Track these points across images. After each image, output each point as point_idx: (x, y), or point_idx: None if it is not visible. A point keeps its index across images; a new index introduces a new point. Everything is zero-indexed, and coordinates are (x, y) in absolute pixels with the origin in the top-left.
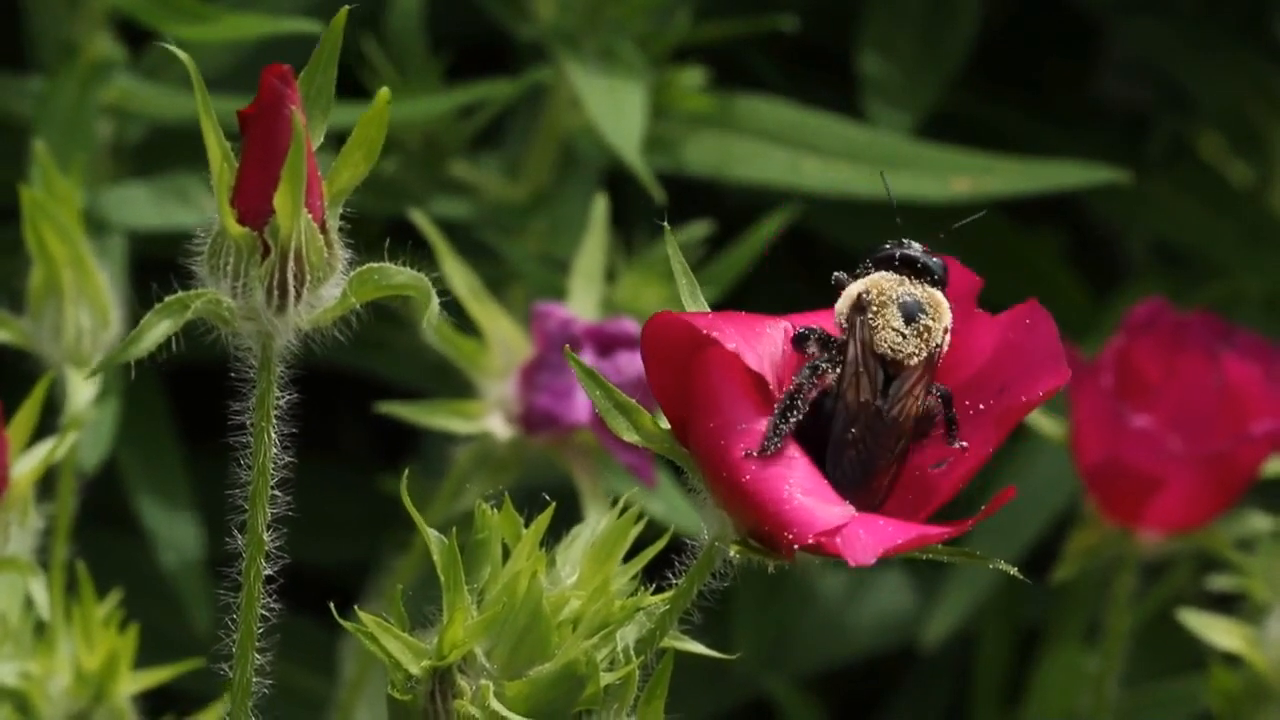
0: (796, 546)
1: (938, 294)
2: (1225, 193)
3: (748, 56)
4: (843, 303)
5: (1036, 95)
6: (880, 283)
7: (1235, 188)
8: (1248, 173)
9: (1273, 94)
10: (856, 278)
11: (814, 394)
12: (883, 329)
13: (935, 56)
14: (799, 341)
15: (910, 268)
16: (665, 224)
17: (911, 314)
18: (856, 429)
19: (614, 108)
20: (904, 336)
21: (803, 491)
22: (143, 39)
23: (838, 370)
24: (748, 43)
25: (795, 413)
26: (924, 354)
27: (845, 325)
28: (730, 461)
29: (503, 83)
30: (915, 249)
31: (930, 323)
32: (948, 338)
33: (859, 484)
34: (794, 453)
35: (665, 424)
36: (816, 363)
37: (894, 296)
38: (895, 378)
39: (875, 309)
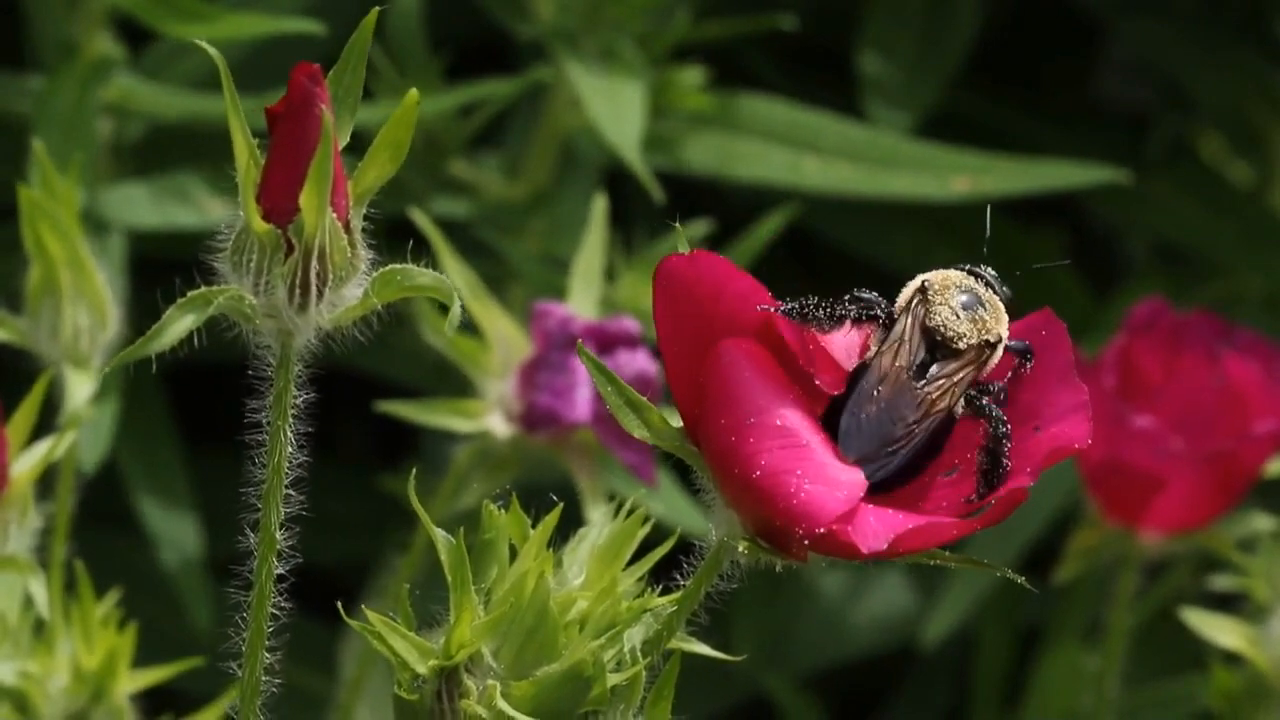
0: (808, 541)
1: (1000, 304)
2: (1225, 193)
3: (748, 56)
4: (906, 290)
5: (1036, 95)
6: (947, 273)
7: (1235, 188)
8: (1248, 173)
9: (1273, 94)
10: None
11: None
12: (940, 304)
13: (935, 56)
14: (845, 306)
15: (978, 276)
16: (677, 224)
17: (972, 302)
18: (883, 389)
19: (614, 107)
20: (958, 317)
21: (811, 481)
22: (143, 39)
23: (880, 343)
24: (748, 42)
25: None
26: (974, 341)
27: (902, 307)
28: (741, 457)
29: (503, 82)
30: (989, 271)
31: (988, 318)
32: (1001, 350)
33: (870, 443)
34: (807, 439)
35: (675, 421)
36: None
37: (959, 284)
38: (938, 361)
39: (937, 289)
